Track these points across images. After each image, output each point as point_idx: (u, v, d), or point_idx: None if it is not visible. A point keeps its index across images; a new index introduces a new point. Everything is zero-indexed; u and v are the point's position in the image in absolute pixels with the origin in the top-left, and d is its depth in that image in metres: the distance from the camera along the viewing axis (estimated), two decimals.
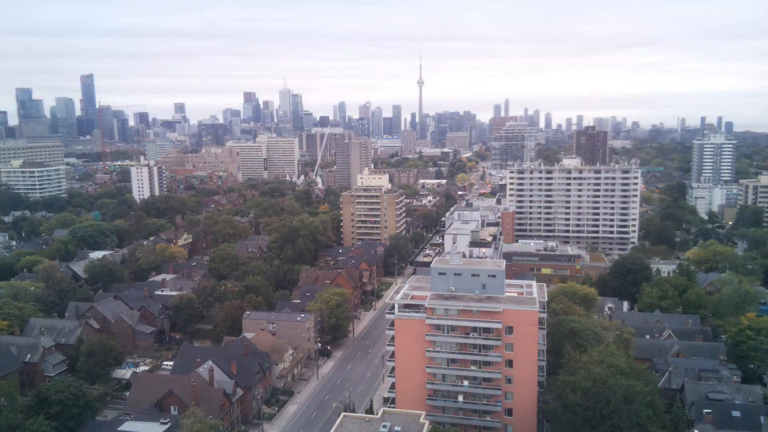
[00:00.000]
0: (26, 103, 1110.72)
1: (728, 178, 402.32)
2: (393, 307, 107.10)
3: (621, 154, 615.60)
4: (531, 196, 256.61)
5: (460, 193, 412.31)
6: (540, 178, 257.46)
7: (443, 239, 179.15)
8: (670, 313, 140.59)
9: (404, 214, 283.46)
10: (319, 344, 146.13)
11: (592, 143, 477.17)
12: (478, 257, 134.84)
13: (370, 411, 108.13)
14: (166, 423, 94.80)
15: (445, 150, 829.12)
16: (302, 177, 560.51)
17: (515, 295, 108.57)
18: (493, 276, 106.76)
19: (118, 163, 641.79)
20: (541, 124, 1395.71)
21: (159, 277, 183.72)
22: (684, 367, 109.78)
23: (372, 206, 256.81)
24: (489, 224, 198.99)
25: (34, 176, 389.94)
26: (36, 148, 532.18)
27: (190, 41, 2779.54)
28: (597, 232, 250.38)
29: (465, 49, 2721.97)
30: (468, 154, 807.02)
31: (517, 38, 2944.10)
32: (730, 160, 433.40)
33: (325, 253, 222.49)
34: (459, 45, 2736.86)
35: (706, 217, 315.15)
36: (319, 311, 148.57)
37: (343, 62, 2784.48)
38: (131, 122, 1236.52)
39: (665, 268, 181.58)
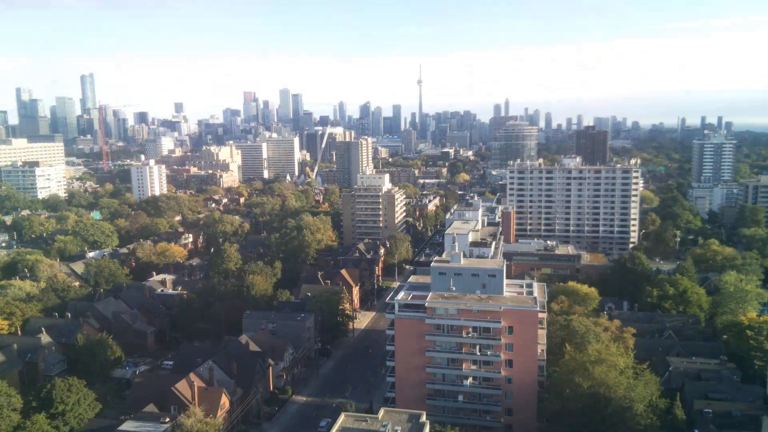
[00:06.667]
0: (26, 102, 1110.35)
1: (728, 178, 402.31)
2: (393, 307, 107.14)
3: (621, 153, 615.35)
4: (531, 195, 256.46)
5: (460, 192, 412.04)
6: (540, 177, 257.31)
7: (443, 239, 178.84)
8: (670, 313, 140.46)
9: (404, 214, 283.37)
10: (319, 344, 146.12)
11: (592, 143, 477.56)
12: (478, 257, 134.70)
13: (370, 411, 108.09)
14: (166, 423, 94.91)
15: (446, 150, 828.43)
16: (302, 177, 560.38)
17: (515, 294, 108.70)
18: (493, 276, 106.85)
19: (118, 162, 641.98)
20: (541, 124, 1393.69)
21: (159, 277, 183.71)
22: (684, 367, 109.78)
23: (372, 206, 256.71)
24: (489, 224, 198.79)
25: (34, 176, 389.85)
26: (36, 148, 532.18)
27: (191, 40, 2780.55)
28: (597, 231, 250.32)
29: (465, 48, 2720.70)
30: (468, 154, 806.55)
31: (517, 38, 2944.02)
32: (730, 160, 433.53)
33: (325, 253, 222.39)
34: (459, 44, 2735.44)
35: (706, 217, 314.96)
36: (319, 311, 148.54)
37: (343, 61, 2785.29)
38: (131, 122, 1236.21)
39: (665, 267, 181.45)
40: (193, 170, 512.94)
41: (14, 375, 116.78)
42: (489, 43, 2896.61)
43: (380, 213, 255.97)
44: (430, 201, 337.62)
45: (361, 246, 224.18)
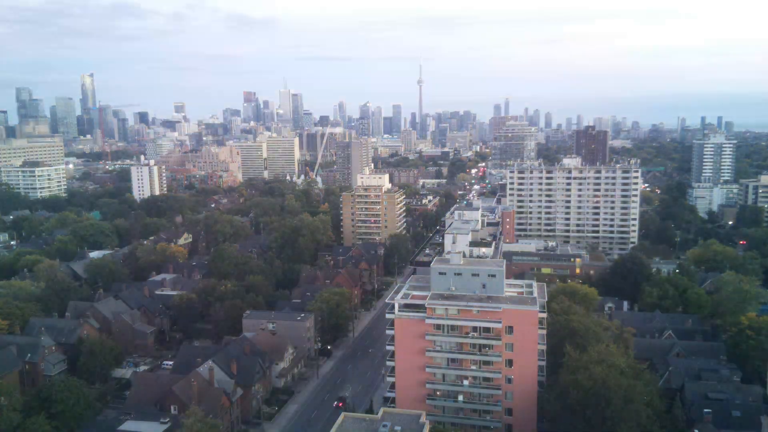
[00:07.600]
0: (26, 102, 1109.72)
1: (728, 178, 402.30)
2: (393, 307, 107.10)
3: (621, 153, 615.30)
4: (531, 195, 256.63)
5: (460, 192, 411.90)
6: (540, 177, 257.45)
7: (443, 239, 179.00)
8: (670, 313, 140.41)
9: (404, 214, 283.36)
10: (319, 344, 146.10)
11: (592, 143, 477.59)
12: (478, 257, 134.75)
13: (370, 411, 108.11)
14: (166, 422, 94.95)
15: (446, 150, 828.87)
16: (302, 177, 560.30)
17: (515, 294, 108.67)
18: (493, 276, 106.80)
19: (119, 162, 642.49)
20: (541, 124, 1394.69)
21: (159, 277, 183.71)
22: (684, 367, 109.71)
23: (372, 206, 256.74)
24: (489, 224, 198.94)
25: (34, 176, 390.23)
26: (36, 148, 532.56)
27: (191, 40, 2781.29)
28: (597, 231, 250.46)
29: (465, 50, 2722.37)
30: (468, 154, 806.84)
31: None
32: (730, 160, 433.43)
33: (325, 253, 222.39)
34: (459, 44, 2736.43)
35: (706, 217, 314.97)
36: (319, 311, 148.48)
37: (343, 61, 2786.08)
38: (131, 122, 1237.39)
39: (665, 267, 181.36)
40: (193, 170, 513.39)
41: (14, 375, 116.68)
42: (489, 42, 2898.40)
43: (380, 213, 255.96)
44: (430, 201, 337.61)
45: (361, 246, 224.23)
